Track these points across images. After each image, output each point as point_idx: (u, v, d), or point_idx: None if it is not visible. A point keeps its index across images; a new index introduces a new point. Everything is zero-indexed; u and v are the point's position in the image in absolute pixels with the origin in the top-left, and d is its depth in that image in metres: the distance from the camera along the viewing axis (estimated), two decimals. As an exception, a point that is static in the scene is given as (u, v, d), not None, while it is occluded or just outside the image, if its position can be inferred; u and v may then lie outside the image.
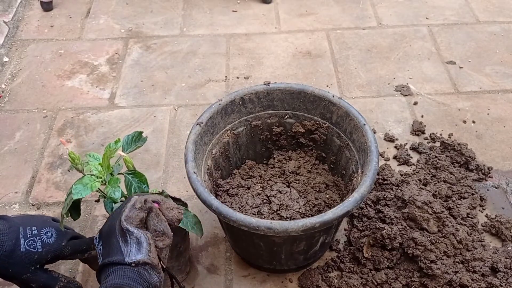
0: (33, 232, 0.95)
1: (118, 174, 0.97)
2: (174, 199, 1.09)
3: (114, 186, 0.93)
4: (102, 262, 0.80)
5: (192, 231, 1.01)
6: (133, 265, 0.77)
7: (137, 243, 0.79)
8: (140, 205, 0.82)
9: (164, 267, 0.83)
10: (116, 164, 0.99)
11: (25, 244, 0.92)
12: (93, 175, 0.94)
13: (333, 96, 1.21)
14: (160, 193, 1.00)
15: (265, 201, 1.22)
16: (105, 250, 0.81)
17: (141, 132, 1.03)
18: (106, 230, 0.83)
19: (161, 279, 0.81)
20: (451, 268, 1.15)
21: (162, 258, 0.83)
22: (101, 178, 0.94)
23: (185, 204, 1.10)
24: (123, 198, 0.96)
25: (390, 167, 1.41)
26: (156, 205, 0.84)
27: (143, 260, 0.78)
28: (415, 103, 1.62)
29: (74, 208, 0.98)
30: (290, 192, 1.23)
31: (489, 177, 1.40)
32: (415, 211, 1.20)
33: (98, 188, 0.95)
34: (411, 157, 1.45)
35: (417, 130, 1.52)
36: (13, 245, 0.91)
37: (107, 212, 0.98)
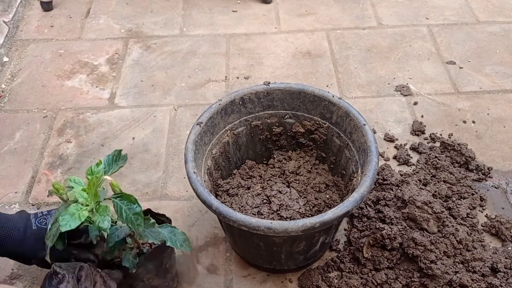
0: (43, 212, 1.01)
1: (105, 199, 0.93)
2: (158, 214, 1.08)
3: (103, 214, 0.88)
4: None
5: (181, 249, 1.00)
6: None
7: None
8: None
9: None
10: (101, 188, 0.93)
11: (36, 222, 0.99)
12: (79, 203, 0.89)
13: (333, 96, 1.21)
14: (146, 213, 0.97)
15: (265, 201, 1.22)
16: None
17: (120, 151, 0.99)
18: None
19: None
20: (451, 268, 1.15)
21: None
22: (88, 206, 0.89)
23: (169, 220, 1.07)
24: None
25: (390, 167, 1.41)
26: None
27: None
28: (415, 103, 1.62)
29: (59, 238, 0.93)
30: (290, 192, 1.23)
31: (489, 177, 1.40)
32: (415, 211, 1.19)
33: None
34: (411, 157, 1.45)
35: (417, 130, 1.52)
36: (25, 224, 0.98)
37: (91, 239, 0.96)
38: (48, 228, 0.93)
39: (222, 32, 1.91)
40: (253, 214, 1.19)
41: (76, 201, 0.89)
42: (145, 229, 0.94)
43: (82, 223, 0.86)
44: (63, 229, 0.85)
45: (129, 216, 0.90)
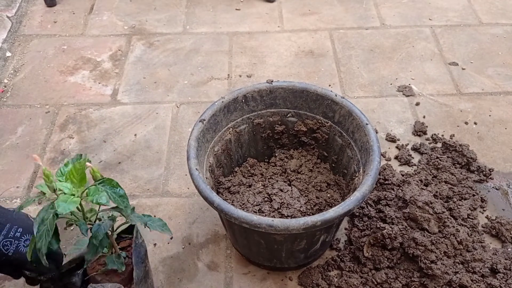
0: (15, 234, 0.98)
1: (88, 187, 0.94)
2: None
3: (97, 193, 0.90)
4: None
5: (163, 233, 1.02)
6: None
7: None
8: None
9: None
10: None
11: (1, 243, 0.96)
12: (65, 193, 0.89)
13: (335, 95, 1.21)
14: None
15: (266, 199, 1.22)
16: None
17: (81, 155, 0.98)
18: None
19: None
20: (451, 268, 1.15)
21: None
22: (74, 195, 0.90)
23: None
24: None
25: (392, 167, 1.41)
26: None
27: None
28: (417, 104, 1.62)
29: (52, 236, 0.92)
30: (291, 190, 1.23)
31: (490, 178, 1.40)
32: (416, 211, 1.20)
33: (71, 212, 0.91)
34: (413, 158, 1.45)
35: (419, 130, 1.52)
36: None
37: (83, 234, 0.95)
38: (35, 232, 0.89)
39: (225, 30, 1.92)
40: (254, 212, 1.19)
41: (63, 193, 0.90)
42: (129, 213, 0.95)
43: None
44: (64, 212, 0.85)
45: (116, 199, 0.91)
